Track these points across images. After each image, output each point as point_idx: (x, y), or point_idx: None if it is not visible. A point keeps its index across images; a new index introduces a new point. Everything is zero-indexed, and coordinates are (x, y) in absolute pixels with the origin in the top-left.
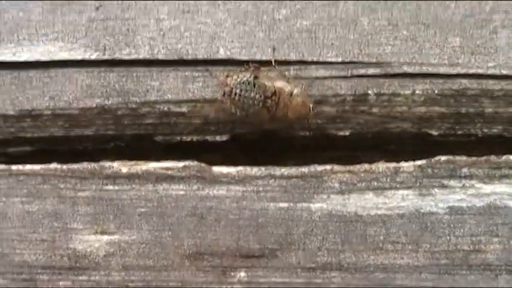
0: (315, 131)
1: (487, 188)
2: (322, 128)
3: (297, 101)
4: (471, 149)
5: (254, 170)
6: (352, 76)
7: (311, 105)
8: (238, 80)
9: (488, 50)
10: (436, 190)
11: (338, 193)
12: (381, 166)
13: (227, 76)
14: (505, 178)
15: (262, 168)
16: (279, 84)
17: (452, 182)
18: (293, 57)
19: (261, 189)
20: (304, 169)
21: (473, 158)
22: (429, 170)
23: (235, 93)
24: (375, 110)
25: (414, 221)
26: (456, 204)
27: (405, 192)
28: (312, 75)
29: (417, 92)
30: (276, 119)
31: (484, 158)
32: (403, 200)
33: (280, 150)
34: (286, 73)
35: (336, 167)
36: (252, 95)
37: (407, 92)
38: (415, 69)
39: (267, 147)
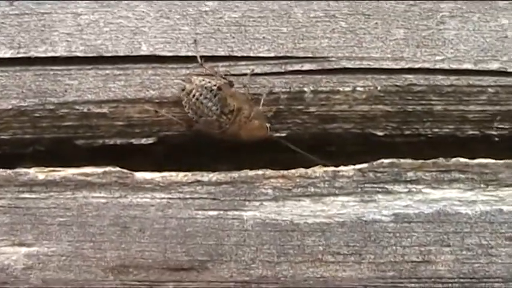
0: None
1: (435, 194)
2: None
3: (254, 124)
4: (420, 151)
5: (180, 176)
6: (287, 72)
7: (268, 127)
8: (202, 83)
9: (436, 42)
10: (380, 196)
11: (272, 200)
12: (318, 170)
13: (197, 75)
14: (455, 182)
15: (189, 174)
16: (240, 103)
17: (397, 187)
18: (221, 52)
19: (187, 196)
20: (234, 174)
21: (420, 161)
22: (371, 175)
23: (194, 95)
24: (312, 109)
25: (356, 230)
26: (402, 211)
27: (345, 198)
28: (242, 72)
29: (358, 89)
30: (226, 134)
31: (431, 160)
32: (343, 207)
33: (212, 153)
34: (244, 90)
35: (269, 172)
36: (210, 104)
37: (348, 89)
38: (355, 64)
39: (197, 150)
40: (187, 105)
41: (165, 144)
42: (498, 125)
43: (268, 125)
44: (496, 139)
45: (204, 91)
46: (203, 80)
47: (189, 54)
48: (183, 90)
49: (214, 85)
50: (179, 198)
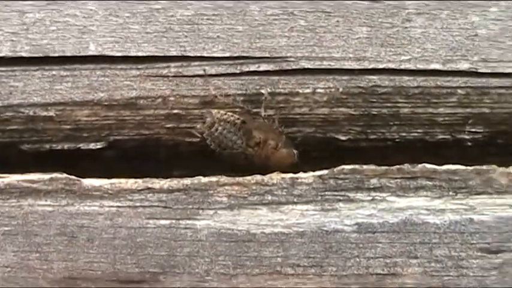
0: (202, 138)
1: (401, 202)
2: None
3: (282, 153)
4: (387, 157)
5: (130, 183)
6: (242, 73)
7: (295, 154)
8: (225, 117)
9: (401, 41)
10: (341, 204)
11: (226, 208)
12: (276, 177)
13: (216, 108)
14: (421, 190)
15: (139, 181)
16: (266, 134)
17: (359, 195)
18: (173, 52)
19: (138, 204)
20: (187, 181)
21: (384, 167)
22: (332, 182)
23: (217, 129)
24: (270, 112)
25: (317, 240)
26: (365, 221)
27: (304, 207)
28: (195, 73)
29: (319, 90)
30: (251, 163)
31: (396, 167)
32: (302, 216)
33: (166, 158)
34: (272, 123)
35: (224, 179)
36: (234, 138)
37: (307, 90)
38: (315, 65)
39: (150, 155)
40: (209, 138)
41: (115, 149)
42: (470, 128)
43: (295, 151)
44: (469, 144)
45: (228, 125)
46: (225, 114)
47: (140, 54)
48: (204, 123)
49: (238, 118)
50: (129, 206)
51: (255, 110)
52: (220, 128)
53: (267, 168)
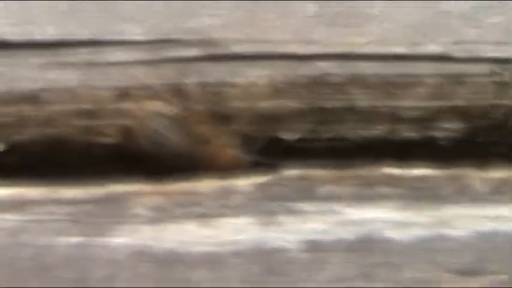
0: (117, 137)
1: (356, 214)
2: (127, 131)
3: (228, 154)
4: (343, 159)
5: (33, 193)
6: (163, 60)
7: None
8: (157, 109)
9: (355, 19)
10: (284, 217)
11: (148, 223)
12: (205, 185)
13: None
14: (382, 200)
15: (44, 190)
16: (207, 131)
17: (306, 206)
18: (81, 36)
19: (44, 218)
20: (100, 191)
21: (335, 172)
22: (274, 190)
23: (148, 125)
24: (198, 106)
25: (255, 260)
26: (314, 237)
27: (241, 220)
28: (108, 61)
29: (255, 80)
30: (193, 164)
31: (351, 171)
32: (238, 231)
33: (78, 163)
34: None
35: (144, 188)
36: (170, 135)
37: (241, 80)
38: (250, 50)
39: (59, 159)
40: (141, 136)
41: (15, 153)
42: (442, 124)
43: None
44: (441, 143)
45: (161, 120)
46: (158, 106)
47: (43, 38)
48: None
49: (172, 111)
50: (34, 220)
51: (182, 104)
52: (152, 123)
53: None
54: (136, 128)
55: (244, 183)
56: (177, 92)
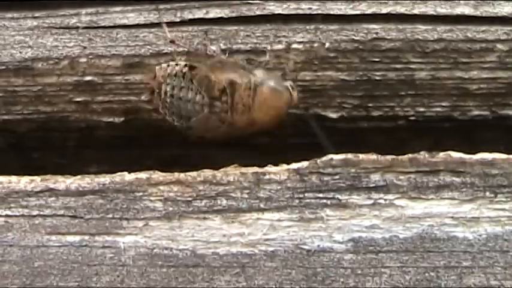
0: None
1: (415, 207)
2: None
3: (265, 92)
4: (397, 142)
5: (23, 182)
6: (184, 22)
7: (290, 87)
8: (168, 71)
9: None
10: (329, 212)
11: (162, 218)
12: (233, 172)
13: (158, 65)
14: (445, 189)
15: (37, 179)
16: (230, 74)
17: (355, 198)
18: None
19: (35, 213)
20: (105, 179)
21: (390, 157)
22: (315, 179)
23: (166, 92)
24: None
25: (294, 264)
26: (365, 236)
27: (275, 215)
28: (116, 23)
29: (295, 46)
30: (236, 128)
31: (408, 156)
32: (273, 229)
33: (75, 147)
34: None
35: (158, 175)
36: (190, 95)
37: (279, 46)
38: (290, 9)
39: (54, 142)
40: (165, 110)
41: (3, 134)
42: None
43: (289, 83)
44: None
45: (175, 81)
46: (168, 66)
47: None
48: (152, 93)
49: (185, 65)
50: (23, 215)
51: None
52: (168, 88)
53: (258, 126)
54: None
55: (279, 169)
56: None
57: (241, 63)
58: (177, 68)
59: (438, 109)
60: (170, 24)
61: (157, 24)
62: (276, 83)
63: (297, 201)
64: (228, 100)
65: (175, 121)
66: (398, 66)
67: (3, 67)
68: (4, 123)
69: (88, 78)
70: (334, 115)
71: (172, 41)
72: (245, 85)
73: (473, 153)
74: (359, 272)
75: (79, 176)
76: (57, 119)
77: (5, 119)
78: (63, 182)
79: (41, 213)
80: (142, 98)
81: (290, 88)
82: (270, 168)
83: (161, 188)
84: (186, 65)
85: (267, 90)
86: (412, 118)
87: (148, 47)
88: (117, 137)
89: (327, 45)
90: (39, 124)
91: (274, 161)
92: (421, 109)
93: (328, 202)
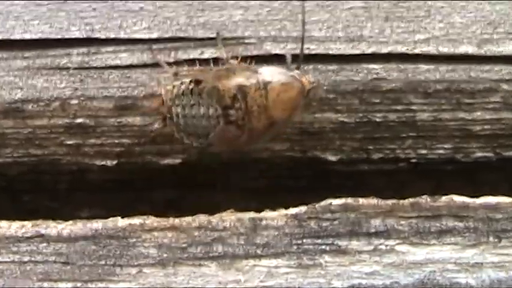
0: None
1: (417, 253)
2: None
3: (277, 90)
4: (398, 185)
5: (14, 227)
6: (178, 63)
7: (308, 81)
8: (175, 92)
9: (415, 11)
10: (328, 258)
11: (156, 265)
12: (229, 218)
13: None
14: (448, 235)
15: (28, 224)
16: (238, 79)
17: (355, 244)
18: (76, 33)
19: (26, 259)
20: (97, 225)
21: (391, 202)
22: (313, 224)
23: (177, 115)
24: None
25: None
26: (364, 282)
27: (273, 262)
28: (108, 63)
29: None
30: (255, 134)
31: (409, 200)
32: (270, 276)
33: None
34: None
35: (152, 220)
36: (203, 111)
37: None
38: (287, 49)
39: (45, 186)
40: (181, 133)
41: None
42: None
43: (295, 72)
44: None
45: (184, 100)
46: (173, 88)
47: (27, 36)
48: (164, 120)
49: (190, 82)
50: (14, 261)
51: None
52: (179, 110)
53: (280, 127)
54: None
55: (277, 215)
56: None
57: (245, 65)
58: (182, 86)
59: (440, 151)
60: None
61: (151, 65)
62: (284, 76)
63: (295, 247)
64: (242, 105)
65: (194, 142)
66: (399, 107)
67: None
68: None
69: (80, 120)
70: (333, 158)
71: (175, 74)
72: (255, 86)
73: (477, 196)
74: None
75: (71, 222)
76: (48, 161)
77: None
78: (54, 228)
79: (32, 259)
80: (156, 126)
81: (298, 77)
82: (267, 213)
83: (155, 234)
84: (191, 81)
85: (278, 85)
86: (414, 160)
87: (141, 88)
88: (110, 180)
89: (326, 85)
90: (30, 167)
91: (270, 203)
92: (423, 151)
93: (327, 248)
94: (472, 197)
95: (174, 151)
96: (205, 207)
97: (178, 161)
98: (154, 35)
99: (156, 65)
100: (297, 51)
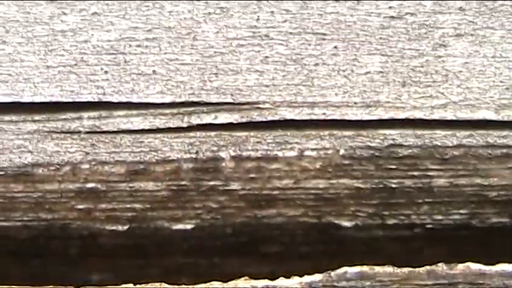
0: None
1: None
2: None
3: None
4: (415, 252)
5: None
6: (191, 127)
7: None
8: None
9: (432, 77)
10: None
11: None
12: (243, 285)
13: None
14: None
15: None
16: None
17: None
18: (87, 96)
19: None
20: None
21: (407, 270)
22: None
23: None
24: (235, 186)
25: None
26: None
27: None
28: (119, 128)
29: (308, 153)
30: None
31: (425, 268)
32: None
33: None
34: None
35: (165, 286)
36: None
37: (291, 153)
38: (303, 114)
39: (55, 250)
40: None
41: (3, 242)
42: None
43: None
44: None
45: None
46: None
47: (37, 99)
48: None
49: None
50: None
51: (211, 183)
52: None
53: None
54: None
55: (291, 282)
56: (207, 168)
57: None
58: None
59: (456, 217)
60: (177, 129)
61: (163, 130)
62: None
63: None
64: None
65: None
66: (415, 173)
67: (2, 172)
68: (3, 230)
69: (91, 185)
70: (348, 224)
71: None
72: None
73: (493, 264)
74: None
75: None
76: (58, 226)
77: (4, 225)
78: None
79: None
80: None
81: None
82: (281, 280)
83: None
84: None
85: None
86: (429, 226)
87: (153, 153)
88: (121, 245)
89: (342, 152)
90: (39, 231)
91: (283, 269)
92: (439, 217)
93: None
94: (488, 264)
95: (186, 216)
96: (217, 275)
97: (190, 226)
98: (167, 99)
99: (168, 130)
100: (314, 117)
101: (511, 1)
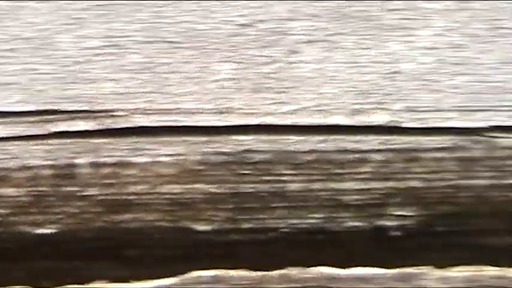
0: None
1: None
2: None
3: None
4: (270, 254)
5: None
6: (50, 135)
7: None
8: None
9: (284, 83)
10: None
11: None
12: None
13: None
14: None
15: None
16: None
17: None
18: None
19: None
20: None
21: (260, 273)
22: None
23: None
24: (92, 191)
25: None
26: None
27: None
28: None
29: (163, 159)
30: None
31: (277, 272)
32: None
33: None
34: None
35: None
36: None
37: (146, 159)
38: (157, 121)
39: None
40: None
41: None
42: (393, 211)
43: None
44: (392, 234)
45: None
46: None
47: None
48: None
49: None
50: None
51: (69, 189)
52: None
53: None
54: None
55: (142, 286)
56: (66, 174)
57: None
58: None
59: (312, 221)
60: (36, 137)
61: (23, 137)
62: None
63: None
64: None
65: None
66: (269, 178)
67: None
68: None
69: None
70: (204, 228)
71: None
72: None
73: (350, 267)
74: None
75: None
76: None
77: None
78: None
79: None
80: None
81: None
82: (135, 284)
83: None
84: None
85: None
86: (285, 230)
87: (14, 160)
88: None
89: (195, 157)
90: None
91: (143, 273)
92: (294, 221)
93: None
94: (342, 267)
95: (47, 221)
96: (80, 276)
97: (51, 231)
98: (27, 108)
99: (28, 137)
100: (168, 124)
101: (364, 7)
